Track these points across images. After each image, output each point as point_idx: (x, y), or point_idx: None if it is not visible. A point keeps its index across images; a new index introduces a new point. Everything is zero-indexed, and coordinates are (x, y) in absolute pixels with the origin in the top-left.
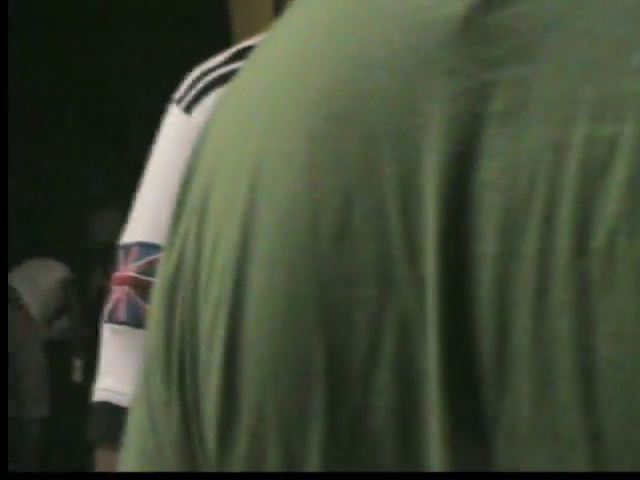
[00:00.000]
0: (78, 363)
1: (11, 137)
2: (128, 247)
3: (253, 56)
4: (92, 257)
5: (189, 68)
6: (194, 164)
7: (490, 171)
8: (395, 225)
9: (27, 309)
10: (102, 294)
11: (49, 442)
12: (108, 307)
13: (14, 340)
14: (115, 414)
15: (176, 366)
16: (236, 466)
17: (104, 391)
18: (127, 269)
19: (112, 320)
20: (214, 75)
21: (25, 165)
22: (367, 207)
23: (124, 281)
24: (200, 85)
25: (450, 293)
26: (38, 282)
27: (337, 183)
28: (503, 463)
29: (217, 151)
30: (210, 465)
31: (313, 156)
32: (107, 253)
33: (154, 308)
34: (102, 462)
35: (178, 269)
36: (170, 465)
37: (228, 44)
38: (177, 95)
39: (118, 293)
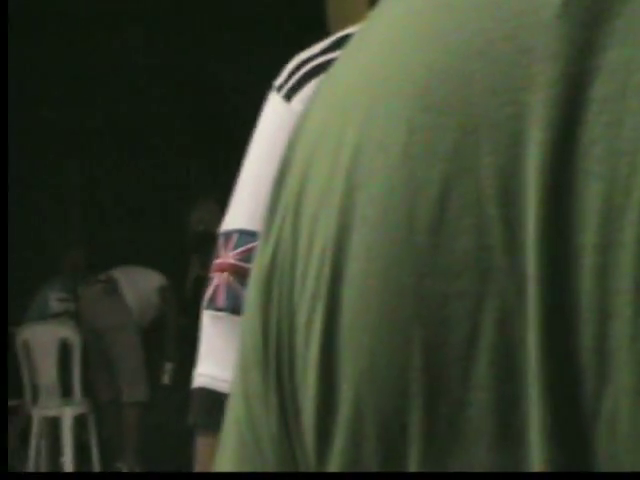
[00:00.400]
0: (169, 366)
1: (110, 134)
2: (228, 234)
3: (349, 46)
4: (189, 247)
5: (287, 57)
6: (290, 154)
7: (590, 159)
8: (494, 216)
9: (123, 297)
10: (199, 283)
11: (148, 426)
12: (208, 294)
13: (109, 324)
14: (214, 400)
15: (273, 359)
16: (334, 461)
17: (204, 377)
18: (227, 256)
19: (212, 307)
20: (314, 63)
21: (123, 162)
22: (465, 198)
23: (224, 268)
24: (300, 73)
25: (551, 285)
26: (138, 287)
27: (434, 174)
28: (604, 458)
29: (314, 142)
30: (308, 460)
31: (410, 147)
32: (204, 243)
33: (250, 301)
34: (202, 447)
35: (274, 261)
36: (268, 459)
37: (325, 33)
38: (277, 83)
39: (218, 280)
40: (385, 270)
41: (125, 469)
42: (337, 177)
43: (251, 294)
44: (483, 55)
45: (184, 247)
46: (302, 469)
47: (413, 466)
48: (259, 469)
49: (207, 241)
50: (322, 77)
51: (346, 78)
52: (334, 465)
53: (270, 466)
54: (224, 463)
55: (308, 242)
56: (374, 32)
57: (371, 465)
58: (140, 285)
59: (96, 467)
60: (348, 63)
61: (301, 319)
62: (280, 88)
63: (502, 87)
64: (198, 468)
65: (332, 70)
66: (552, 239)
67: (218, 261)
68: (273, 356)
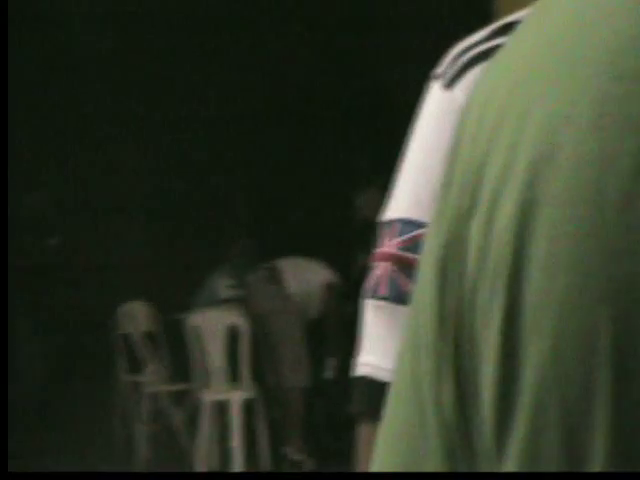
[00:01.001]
0: (332, 361)
1: (275, 124)
2: (390, 223)
3: (526, 21)
4: (356, 235)
5: (448, 44)
6: (462, 137)
7: None
8: None
9: (286, 285)
10: (364, 272)
11: (315, 417)
12: (370, 283)
13: (271, 311)
14: (377, 389)
15: (450, 343)
16: (515, 448)
17: (366, 366)
18: (389, 245)
19: (374, 296)
20: (476, 51)
21: (290, 151)
22: None
23: (386, 257)
24: (462, 61)
25: None
26: (304, 281)
27: (626, 147)
28: None
29: (493, 118)
30: (485, 446)
31: (601, 119)
32: (368, 231)
33: (423, 284)
34: (363, 436)
35: (450, 241)
36: (433, 445)
37: (487, 19)
38: (438, 71)
39: (380, 269)
40: (572, 249)
41: (292, 454)
42: (520, 152)
43: (424, 276)
44: None
45: (350, 236)
46: (477, 456)
47: (599, 461)
48: (421, 455)
49: (371, 230)
50: (489, 61)
51: (527, 51)
52: (515, 452)
53: (434, 453)
54: (385, 447)
55: (487, 219)
56: (556, 3)
57: (554, 455)
58: (306, 279)
59: (264, 451)
60: (527, 37)
61: (481, 300)
62: (441, 76)
63: None
64: (360, 457)
65: (503, 49)
66: None
67: (380, 250)
68: (450, 339)
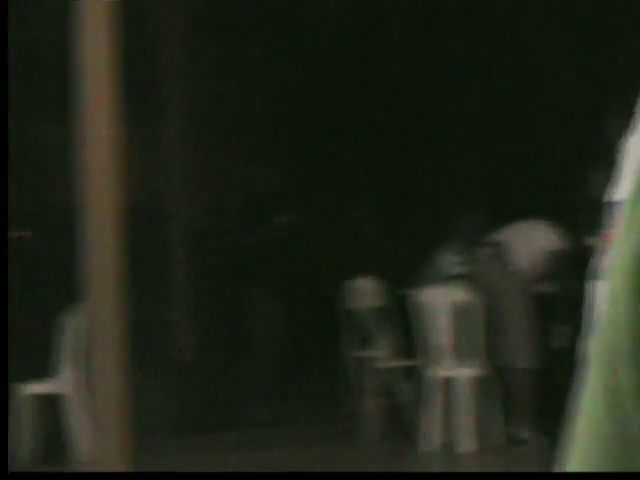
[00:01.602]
0: (559, 330)
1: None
2: (618, 204)
3: None
4: (586, 214)
5: None
6: None
7: None
8: None
9: (510, 260)
10: (591, 252)
11: (541, 390)
12: (597, 263)
13: (496, 288)
14: None
15: None
16: None
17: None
18: (617, 226)
19: (600, 277)
20: None
21: (516, 126)
22: None
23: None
24: None
25: None
26: (530, 244)
27: None
28: None
29: None
30: None
31: None
32: (599, 210)
33: (616, 296)
34: None
35: None
36: (637, 456)
37: None
38: None
39: (607, 250)
40: None
41: (518, 433)
42: None
43: (616, 287)
44: None
45: (577, 214)
46: None
47: None
48: (625, 468)
49: (600, 209)
50: None
51: None
52: None
53: None
54: (575, 452)
55: None
56: None
57: None
58: (532, 245)
59: (491, 429)
60: None
61: None
62: None
63: None
64: None
65: None
66: None
67: (608, 231)
68: None
